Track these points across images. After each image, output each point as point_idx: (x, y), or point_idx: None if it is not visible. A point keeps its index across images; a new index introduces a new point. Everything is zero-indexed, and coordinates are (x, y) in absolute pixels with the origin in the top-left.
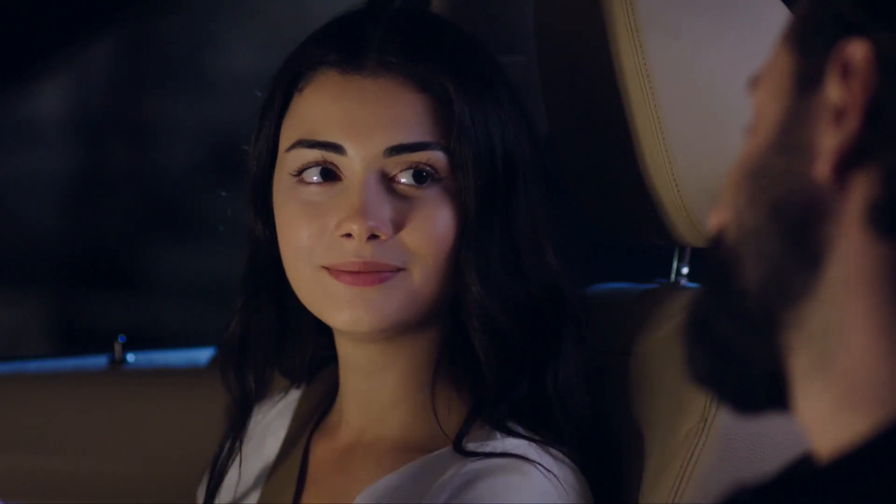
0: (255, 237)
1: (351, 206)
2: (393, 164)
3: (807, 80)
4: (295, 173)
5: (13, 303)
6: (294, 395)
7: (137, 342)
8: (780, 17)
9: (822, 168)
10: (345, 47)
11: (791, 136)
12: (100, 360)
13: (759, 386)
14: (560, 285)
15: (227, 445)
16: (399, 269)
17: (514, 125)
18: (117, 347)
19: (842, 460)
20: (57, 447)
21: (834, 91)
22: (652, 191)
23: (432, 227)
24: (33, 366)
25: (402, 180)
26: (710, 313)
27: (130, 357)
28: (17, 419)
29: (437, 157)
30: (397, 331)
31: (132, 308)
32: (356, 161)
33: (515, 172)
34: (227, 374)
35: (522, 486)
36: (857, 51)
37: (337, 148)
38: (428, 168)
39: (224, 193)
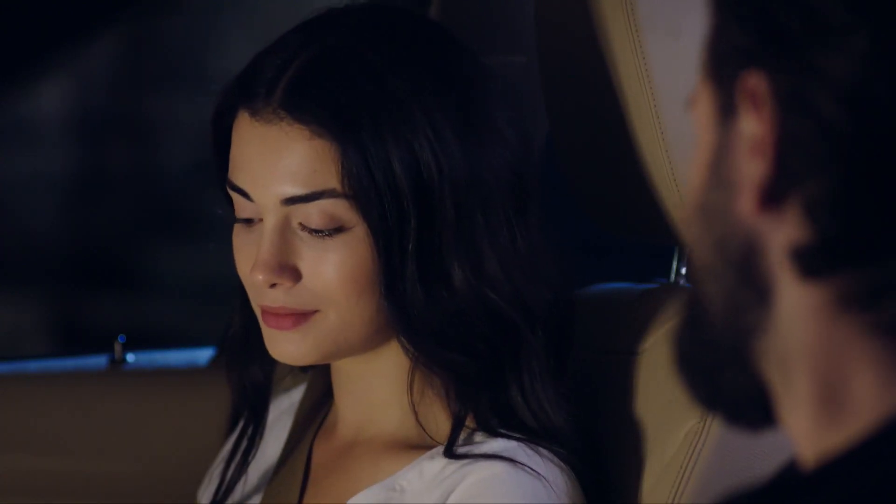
0: None
1: (257, 256)
2: (296, 213)
3: (725, 112)
4: (235, 212)
5: (13, 303)
6: (295, 397)
7: (137, 342)
8: None
9: (747, 203)
10: (255, 93)
11: (720, 169)
12: (100, 360)
13: (752, 409)
14: (507, 311)
15: (244, 443)
16: (315, 311)
17: (447, 148)
18: (117, 347)
19: (823, 469)
20: (57, 447)
21: (746, 123)
22: (652, 190)
23: (337, 273)
24: (33, 366)
25: (310, 226)
26: (692, 347)
27: (130, 357)
28: (17, 419)
29: (335, 205)
30: (335, 358)
31: (132, 308)
32: (262, 209)
33: (442, 200)
34: (233, 372)
35: (511, 488)
36: (759, 83)
37: (245, 194)
38: (327, 216)
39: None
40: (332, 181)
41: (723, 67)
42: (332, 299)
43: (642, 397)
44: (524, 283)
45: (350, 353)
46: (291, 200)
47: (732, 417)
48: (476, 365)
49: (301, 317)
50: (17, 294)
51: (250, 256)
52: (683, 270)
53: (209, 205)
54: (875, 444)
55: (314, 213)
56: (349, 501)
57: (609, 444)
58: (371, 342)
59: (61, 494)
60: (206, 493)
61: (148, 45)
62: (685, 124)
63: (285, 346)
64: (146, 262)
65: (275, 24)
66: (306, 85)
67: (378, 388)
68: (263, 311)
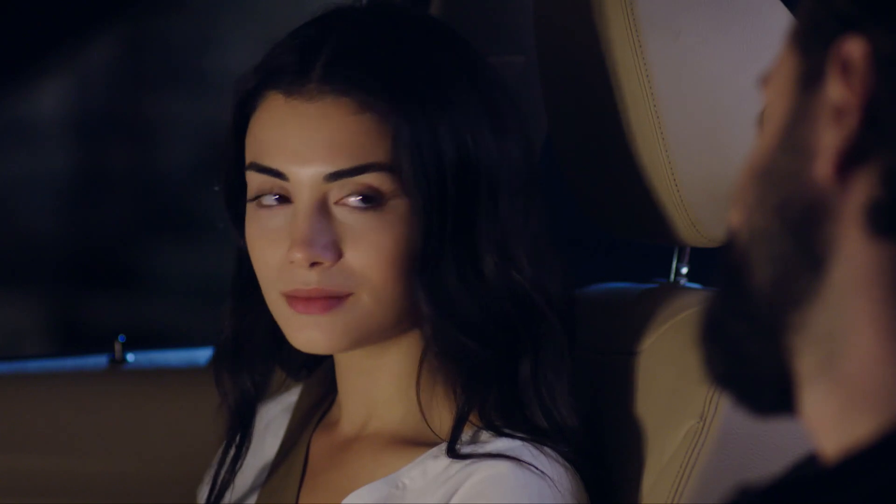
0: (239, 245)
1: (294, 234)
2: (336, 189)
3: (809, 79)
4: (252, 197)
5: (13, 303)
6: (292, 397)
7: (137, 342)
8: (779, 16)
9: (823, 167)
10: (290, 70)
11: (795, 135)
12: (100, 360)
13: (768, 388)
14: (531, 294)
15: (232, 451)
16: (349, 294)
17: (480, 134)
18: (117, 347)
19: (847, 462)
20: (57, 447)
21: (834, 89)
22: (651, 190)
23: (378, 250)
24: (33, 366)
25: (349, 203)
26: (723, 314)
27: (130, 357)
28: (17, 419)
29: (379, 179)
30: (361, 346)
31: (132, 308)
32: (298, 187)
33: (477, 183)
34: (222, 378)
35: (516, 487)
36: (856, 48)
37: (280, 175)
38: (371, 191)
39: (217, 188)
40: (378, 154)
41: (815, 35)
42: (368, 280)
43: (642, 397)
44: (544, 273)
45: (373, 341)
46: (335, 175)
47: (744, 397)
48: (492, 357)
49: (334, 300)
50: (17, 294)
51: (276, 240)
52: (684, 270)
53: (209, 205)
54: None
55: (357, 189)
56: (350, 496)
57: (609, 443)
58: (391, 331)
59: (61, 494)
60: (202, 494)
61: (148, 45)
62: (685, 123)
63: (312, 332)
64: (146, 262)
65: (275, 24)
66: (352, 58)
67: (384, 383)
68: (290, 298)
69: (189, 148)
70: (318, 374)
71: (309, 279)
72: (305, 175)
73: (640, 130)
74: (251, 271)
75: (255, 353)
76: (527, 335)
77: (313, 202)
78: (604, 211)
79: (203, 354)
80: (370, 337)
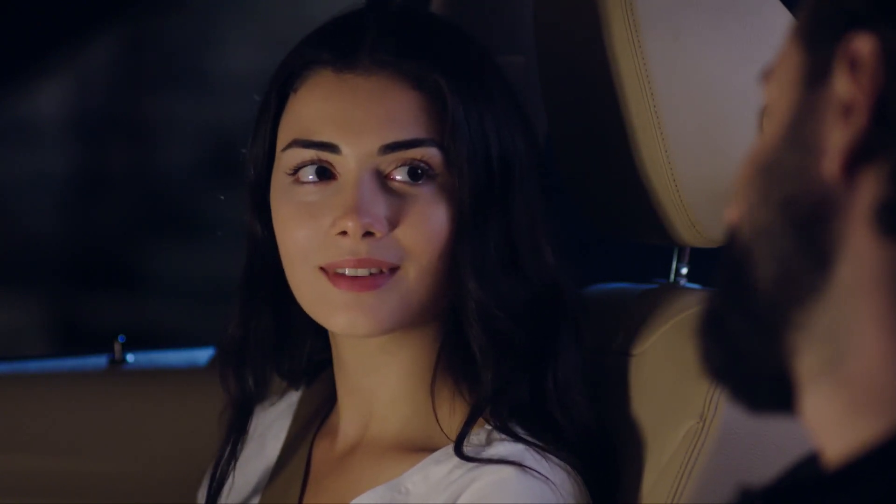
0: (253, 239)
1: (346, 204)
2: (387, 162)
3: (815, 75)
4: (290, 172)
5: (13, 303)
6: (293, 398)
7: (137, 342)
8: (779, 16)
9: (831, 165)
10: (338, 46)
11: (800, 131)
12: (99, 360)
13: (765, 385)
14: (558, 284)
15: (227, 448)
16: (394, 269)
17: (510, 123)
18: (117, 347)
19: (852, 465)
20: (57, 447)
21: (842, 85)
22: (651, 191)
23: (427, 223)
24: (33, 366)
25: (397, 177)
26: (723, 310)
27: (130, 357)
28: (17, 419)
29: (431, 154)
30: (396, 330)
31: (132, 308)
32: (351, 159)
33: (511, 170)
34: (226, 377)
35: (519, 491)
36: (865, 45)
37: (331, 147)
38: (422, 165)
39: (223, 197)
40: (431, 131)
41: (822, 31)
42: (415, 254)
43: (642, 397)
44: (562, 269)
45: (404, 327)
46: (390, 147)
47: (740, 393)
48: (526, 344)
49: (381, 277)
50: (17, 294)
51: (316, 214)
52: (683, 270)
53: (209, 206)
54: None
55: (408, 163)
56: (353, 501)
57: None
58: (424, 317)
59: (61, 494)
60: (202, 494)
61: (148, 45)
62: (684, 124)
63: (355, 314)
64: (146, 262)
65: (275, 24)
66: (410, 38)
67: (393, 382)
68: (334, 277)
69: (189, 148)
70: (319, 382)
71: (358, 250)
72: (359, 147)
73: (640, 131)
74: (262, 268)
75: (259, 354)
76: (552, 327)
77: (366, 173)
78: (604, 211)
79: (203, 355)
80: (408, 319)
